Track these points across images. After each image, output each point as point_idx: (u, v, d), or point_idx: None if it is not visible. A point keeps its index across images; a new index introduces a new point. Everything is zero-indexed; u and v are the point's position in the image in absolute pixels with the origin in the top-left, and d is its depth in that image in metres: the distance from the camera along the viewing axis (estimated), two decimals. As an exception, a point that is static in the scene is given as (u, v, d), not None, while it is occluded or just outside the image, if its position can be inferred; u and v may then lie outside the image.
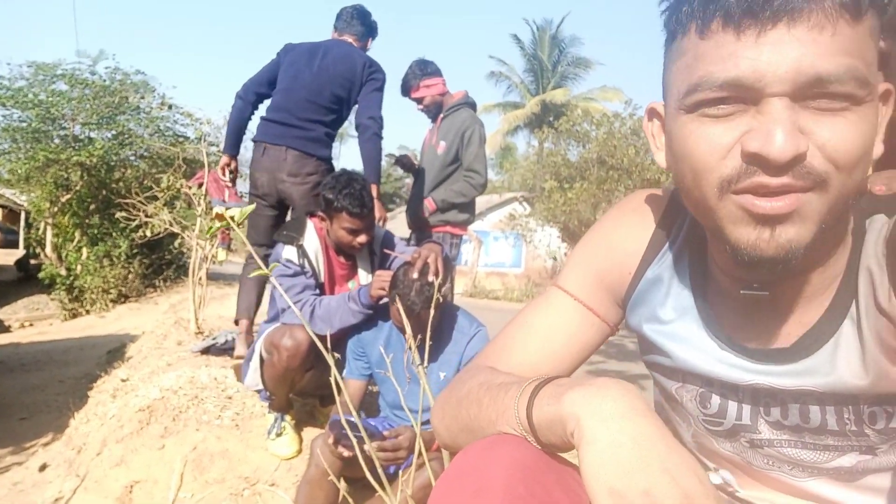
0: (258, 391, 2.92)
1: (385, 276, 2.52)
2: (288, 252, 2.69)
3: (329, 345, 1.32)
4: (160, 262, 11.78)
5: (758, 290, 0.74)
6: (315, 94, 3.48)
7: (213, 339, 4.59)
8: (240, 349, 3.57)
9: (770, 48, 0.61)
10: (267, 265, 2.79)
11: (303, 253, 2.70)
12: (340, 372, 2.65)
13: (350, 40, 3.72)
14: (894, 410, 0.73)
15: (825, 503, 0.82)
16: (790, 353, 0.76)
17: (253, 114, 3.67)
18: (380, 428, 2.32)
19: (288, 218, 3.67)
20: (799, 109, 0.62)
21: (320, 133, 3.52)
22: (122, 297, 10.60)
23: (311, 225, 2.80)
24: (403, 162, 4.33)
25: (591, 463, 0.62)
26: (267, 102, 3.64)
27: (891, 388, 0.72)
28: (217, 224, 1.26)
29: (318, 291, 2.73)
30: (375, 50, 3.96)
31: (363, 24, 3.78)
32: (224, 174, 3.70)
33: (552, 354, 0.92)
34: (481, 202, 24.16)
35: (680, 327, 0.86)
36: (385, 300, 2.53)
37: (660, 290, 0.89)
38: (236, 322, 3.79)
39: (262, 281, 3.76)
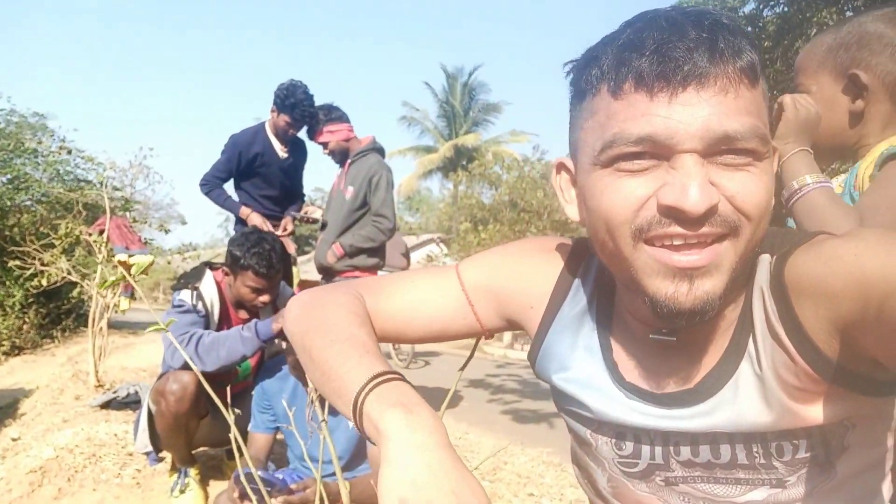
0: (147, 454, 2.80)
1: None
2: (183, 294, 2.66)
3: (229, 398, 1.32)
4: (58, 312, 11.10)
5: (666, 335, 0.79)
6: None
7: (114, 392, 4.41)
8: None
9: (681, 108, 0.65)
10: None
11: (198, 296, 2.67)
12: (245, 424, 2.60)
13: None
14: (800, 443, 0.77)
15: None
16: (694, 395, 0.79)
17: None
18: (288, 480, 2.28)
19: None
20: (708, 164, 0.66)
21: None
22: (16, 350, 9.89)
23: (209, 274, 2.77)
24: (305, 219, 4.38)
25: (387, 478, 0.65)
26: None
27: (794, 424, 0.75)
28: (116, 275, 1.26)
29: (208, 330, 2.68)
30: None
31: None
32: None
33: (414, 319, 0.98)
34: (397, 244, 24.15)
35: (590, 377, 0.88)
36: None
37: (569, 337, 0.91)
38: None
39: None
